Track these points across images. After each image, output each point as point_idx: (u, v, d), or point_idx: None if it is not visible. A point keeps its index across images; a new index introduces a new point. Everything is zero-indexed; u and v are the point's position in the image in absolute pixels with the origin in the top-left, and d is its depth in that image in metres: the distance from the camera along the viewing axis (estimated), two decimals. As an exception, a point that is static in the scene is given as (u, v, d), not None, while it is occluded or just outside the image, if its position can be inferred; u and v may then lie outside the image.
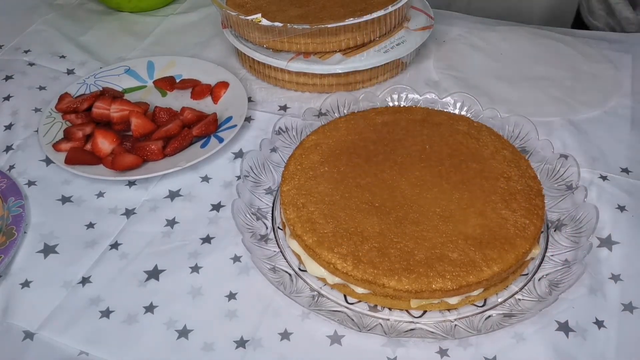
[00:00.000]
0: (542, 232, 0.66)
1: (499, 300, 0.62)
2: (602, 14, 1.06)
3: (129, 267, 0.67)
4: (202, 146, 0.78)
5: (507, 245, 0.60)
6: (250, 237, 0.66)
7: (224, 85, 0.86)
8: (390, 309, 0.62)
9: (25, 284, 0.66)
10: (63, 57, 0.96)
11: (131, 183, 0.76)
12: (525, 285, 0.63)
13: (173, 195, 0.75)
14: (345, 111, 0.79)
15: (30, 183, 0.77)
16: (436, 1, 0.96)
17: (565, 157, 0.71)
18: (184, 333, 0.61)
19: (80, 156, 0.76)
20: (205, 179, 0.76)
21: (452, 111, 0.78)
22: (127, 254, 0.68)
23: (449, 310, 0.62)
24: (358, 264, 0.59)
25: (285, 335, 0.61)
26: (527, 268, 0.65)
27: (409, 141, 0.71)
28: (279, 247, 0.67)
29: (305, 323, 0.61)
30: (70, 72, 0.93)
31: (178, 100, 0.87)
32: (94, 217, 0.72)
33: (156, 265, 0.67)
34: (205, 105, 0.86)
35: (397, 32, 0.88)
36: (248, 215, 0.68)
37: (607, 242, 0.67)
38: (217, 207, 0.73)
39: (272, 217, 0.70)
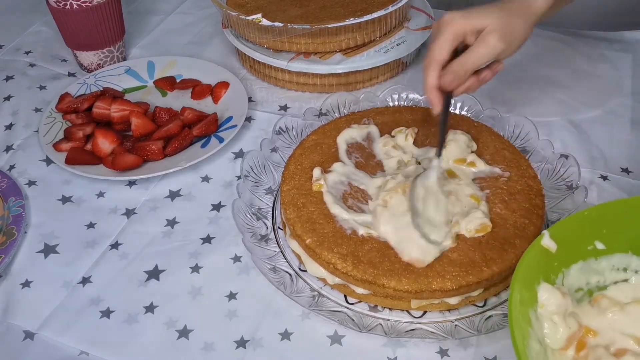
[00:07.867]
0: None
1: (499, 300, 0.62)
2: None
3: (129, 267, 0.67)
4: (203, 146, 0.78)
5: (507, 245, 0.60)
6: (251, 237, 0.66)
7: (225, 85, 0.86)
8: (390, 309, 0.62)
9: (26, 284, 0.66)
10: (64, 60, 0.96)
11: (131, 183, 0.76)
12: (525, 285, 0.63)
13: (173, 195, 0.75)
14: (345, 111, 0.79)
15: (31, 183, 0.77)
16: (436, 1, 0.95)
17: (566, 157, 0.71)
18: (184, 333, 0.61)
19: (81, 156, 0.76)
20: (206, 179, 0.76)
21: (452, 111, 0.78)
22: (127, 254, 0.68)
23: (449, 310, 0.62)
24: (358, 264, 0.59)
25: (285, 335, 0.61)
26: (527, 268, 0.64)
27: (409, 141, 0.72)
28: (279, 247, 0.67)
29: (306, 323, 0.61)
30: (71, 74, 0.94)
31: (178, 100, 0.87)
32: (94, 217, 0.72)
33: (156, 265, 0.67)
34: (206, 105, 0.86)
35: (398, 32, 0.88)
36: (248, 215, 0.68)
37: (607, 242, 0.67)
38: (217, 207, 0.73)
39: (273, 217, 0.70)
